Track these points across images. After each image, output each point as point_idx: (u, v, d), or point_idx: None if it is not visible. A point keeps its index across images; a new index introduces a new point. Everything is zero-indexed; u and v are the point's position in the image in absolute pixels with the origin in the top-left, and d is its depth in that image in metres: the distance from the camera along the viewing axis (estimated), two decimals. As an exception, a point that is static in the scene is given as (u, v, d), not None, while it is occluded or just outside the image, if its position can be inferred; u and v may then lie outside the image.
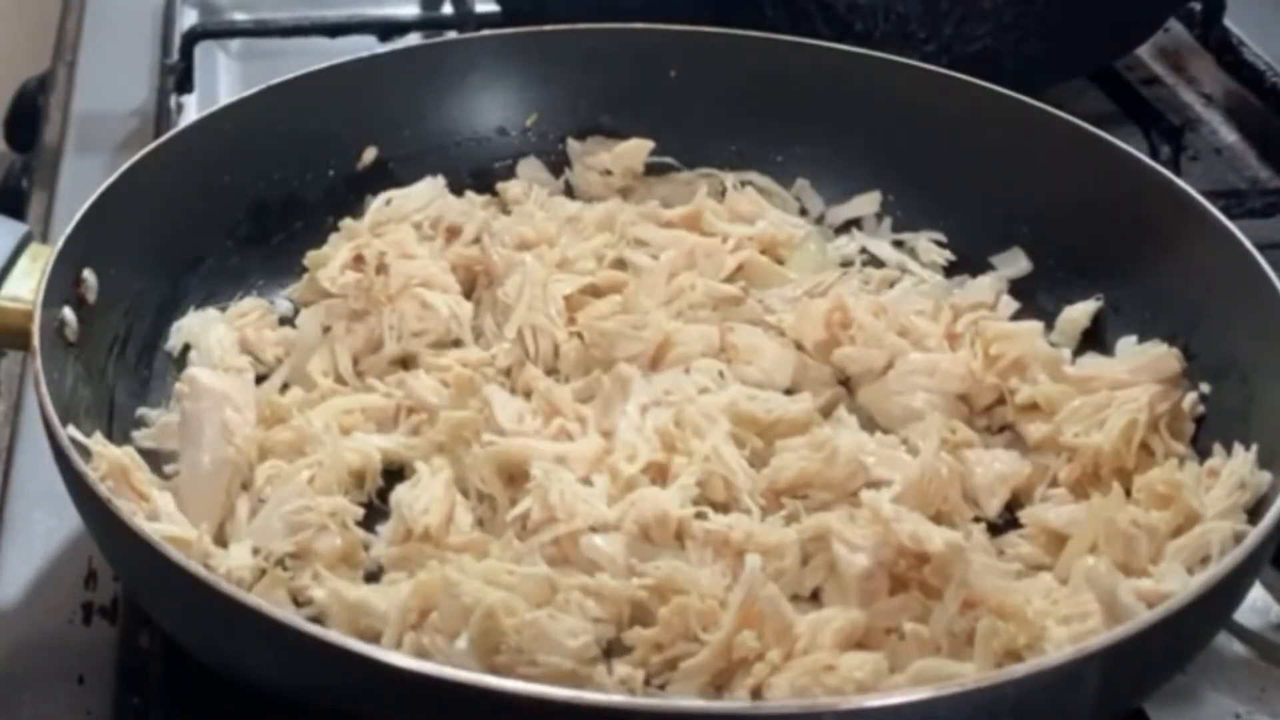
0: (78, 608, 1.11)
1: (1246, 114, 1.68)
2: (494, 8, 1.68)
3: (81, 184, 1.20)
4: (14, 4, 2.24)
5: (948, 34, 1.49)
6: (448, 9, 1.80)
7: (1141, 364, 1.19)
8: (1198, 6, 1.74)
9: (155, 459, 1.15)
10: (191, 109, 1.63)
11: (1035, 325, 1.24)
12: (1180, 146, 1.55)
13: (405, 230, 1.29)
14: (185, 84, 1.66)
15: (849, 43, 1.46)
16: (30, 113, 1.75)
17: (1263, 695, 1.08)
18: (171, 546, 0.94)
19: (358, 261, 1.24)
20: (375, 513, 1.12)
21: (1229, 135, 1.67)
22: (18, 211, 1.54)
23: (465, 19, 1.70)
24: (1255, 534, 0.97)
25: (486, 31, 1.55)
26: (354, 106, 1.37)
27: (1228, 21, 1.73)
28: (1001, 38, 1.50)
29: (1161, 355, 1.19)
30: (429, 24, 1.75)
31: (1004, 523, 1.13)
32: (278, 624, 0.90)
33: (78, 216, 1.17)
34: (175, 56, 1.67)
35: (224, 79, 1.70)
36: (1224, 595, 0.97)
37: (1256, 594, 1.12)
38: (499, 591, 0.98)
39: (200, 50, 1.67)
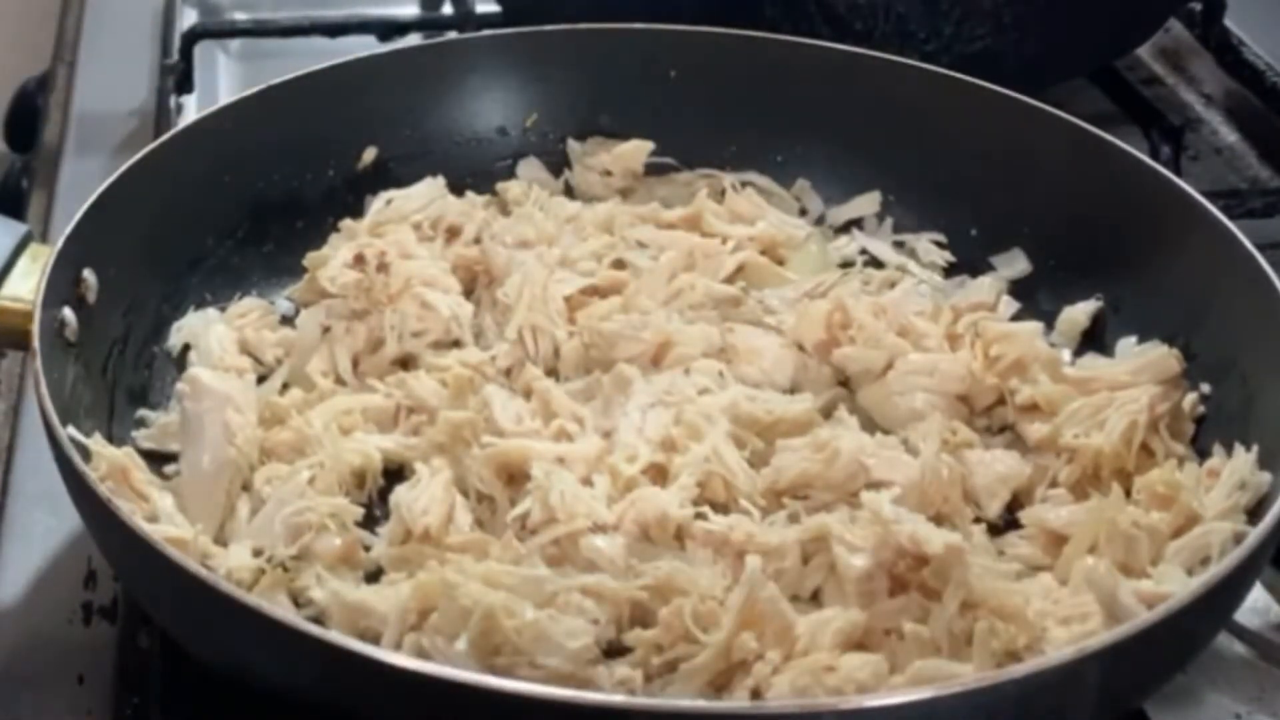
0: (78, 608, 1.11)
1: (1247, 114, 1.68)
2: (494, 8, 1.67)
3: (81, 184, 1.21)
4: (14, 4, 2.23)
5: (948, 34, 1.49)
6: (448, 9, 1.79)
7: (1142, 365, 1.19)
8: (1198, 6, 1.74)
9: (156, 459, 1.15)
10: (191, 109, 1.63)
11: (1035, 326, 1.24)
12: (1180, 146, 1.55)
13: (405, 230, 1.29)
14: (185, 84, 1.65)
15: (849, 42, 1.45)
16: (30, 113, 1.75)
17: (1263, 695, 1.08)
18: (171, 547, 0.94)
19: (358, 261, 1.24)
20: (376, 513, 1.12)
21: (1229, 135, 1.67)
22: (17, 211, 1.54)
23: (465, 19, 1.70)
24: (1255, 535, 0.97)
25: (487, 32, 1.55)
26: (354, 107, 1.37)
27: (1228, 21, 1.73)
28: (1002, 37, 1.50)
29: (1162, 356, 1.19)
30: (429, 24, 1.75)
31: (1004, 523, 1.13)
32: (277, 624, 0.90)
33: (78, 216, 1.17)
34: (175, 56, 1.66)
35: (224, 79, 1.70)
36: (1224, 596, 0.97)
37: (1257, 594, 1.12)
38: (498, 593, 0.97)
39: (200, 50, 1.67)
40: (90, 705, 1.06)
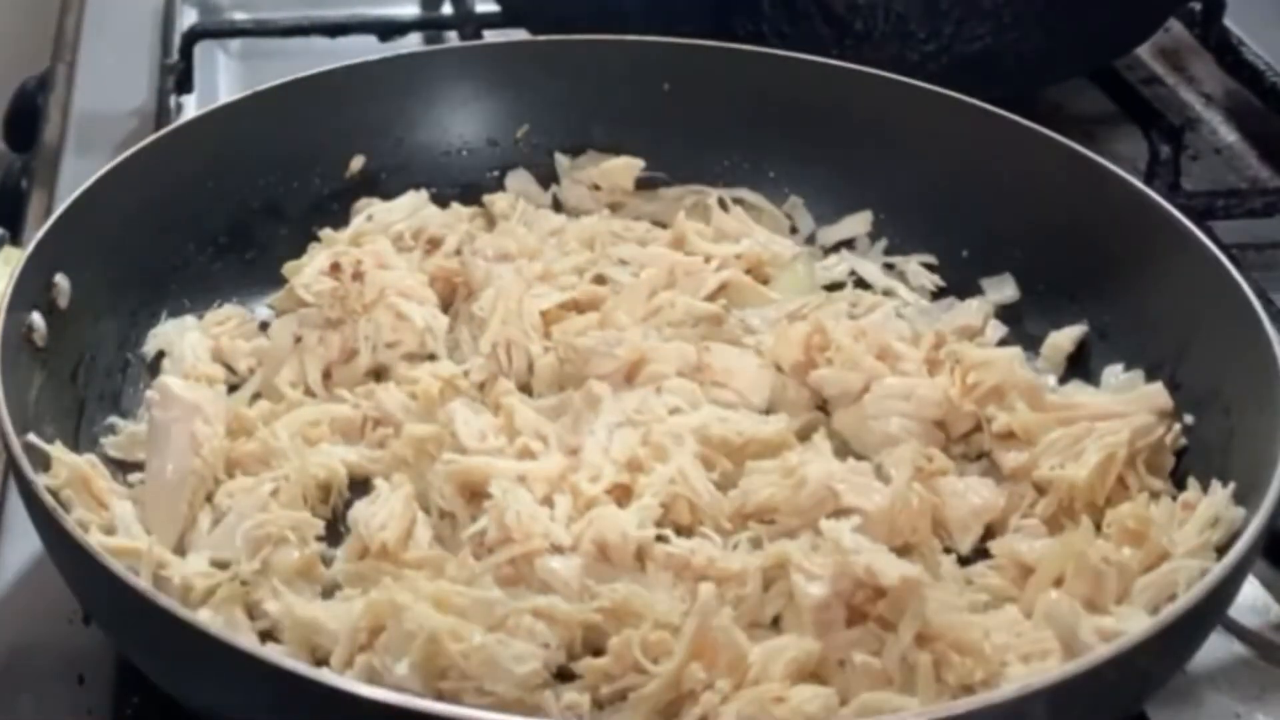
0: (78, 608, 1.10)
1: (1246, 114, 1.68)
2: (494, 8, 1.67)
3: (81, 184, 1.20)
4: (14, 4, 2.24)
5: (948, 33, 1.48)
6: (448, 9, 1.79)
7: (1134, 397, 1.17)
8: (1198, 6, 1.73)
9: (127, 468, 1.14)
10: (191, 109, 1.63)
11: (1014, 351, 1.22)
12: (1180, 146, 1.54)
13: (383, 241, 1.28)
14: (185, 84, 1.65)
15: (848, 42, 1.45)
16: (30, 112, 1.75)
17: (1262, 695, 1.08)
18: (113, 558, 0.94)
19: (334, 269, 1.23)
20: (341, 528, 1.11)
21: (1229, 135, 1.67)
22: (17, 211, 1.54)
23: (465, 19, 1.70)
24: (1213, 575, 0.95)
25: (478, 41, 1.54)
26: (343, 114, 1.36)
27: (1228, 21, 1.72)
28: (1001, 37, 1.49)
29: (1154, 391, 1.17)
30: (429, 24, 1.75)
31: (974, 553, 1.11)
32: (213, 640, 0.89)
33: (51, 220, 1.16)
34: (175, 56, 1.67)
35: (224, 79, 1.70)
36: (1180, 636, 0.95)
37: (1257, 594, 1.13)
38: (445, 618, 0.96)
39: (200, 50, 1.67)
40: (90, 705, 1.06)
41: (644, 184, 1.40)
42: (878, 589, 0.99)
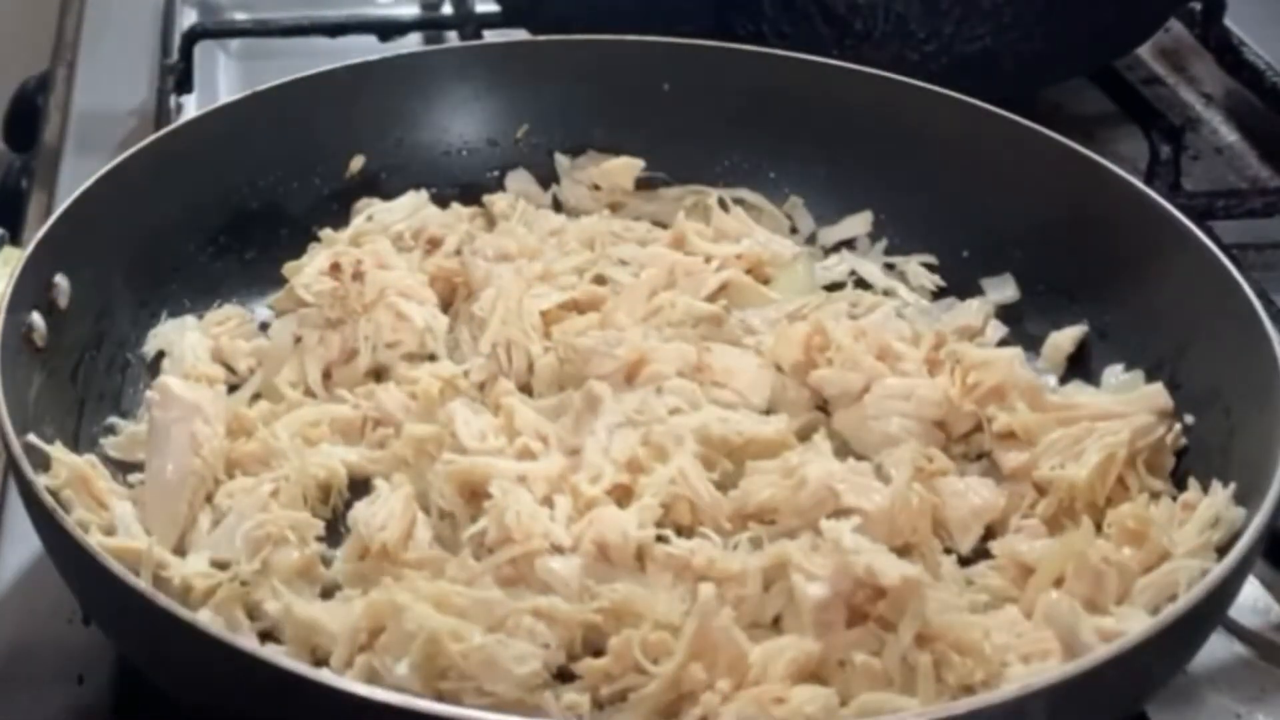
0: (78, 608, 1.10)
1: (1247, 114, 1.68)
2: (494, 8, 1.67)
3: (81, 184, 1.20)
4: (14, 4, 2.24)
5: (948, 33, 1.48)
6: (448, 9, 1.79)
7: (1134, 397, 1.17)
8: (1198, 6, 1.73)
9: (127, 468, 1.14)
10: (191, 109, 1.63)
11: (1015, 352, 1.21)
12: (1180, 146, 1.54)
13: (383, 240, 1.28)
14: (185, 84, 1.65)
15: (849, 42, 1.45)
16: (30, 112, 1.75)
17: (1262, 695, 1.08)
18: (112, 558, 0.94)
19: (334, 269, 1.23)
20: (342, 529, 1.11)
21: (1229, 135, 1.67)
22: (17, 211, 1.54)
23: (465, 19, 1.70)
24: (1214, 575, 0.95)
25: (478, 41, 1.54)
26: (342, 114, 1.36)
27: (1228, 21, 1.72)
28: (1001, 37, 1.49)
29: (1154, 392, 1.17)
30: (429, 24, 1.75)
31: (974, 553, 1.11)
32: (209, 638, 0.89)
33: (51, 220, 1.16)
34: (175, 56, 1.66)
35: (224, 79, 1.71)
36: (1181, 636, 0.95)
37: (1257, 594, 1.13)
38: (446, 618, 0.96)
39: (200, 50, 1.67)
40: (90, 705, 1.06)
41: (644, 184, 1.40)
42: (878, 589, 0.99)
